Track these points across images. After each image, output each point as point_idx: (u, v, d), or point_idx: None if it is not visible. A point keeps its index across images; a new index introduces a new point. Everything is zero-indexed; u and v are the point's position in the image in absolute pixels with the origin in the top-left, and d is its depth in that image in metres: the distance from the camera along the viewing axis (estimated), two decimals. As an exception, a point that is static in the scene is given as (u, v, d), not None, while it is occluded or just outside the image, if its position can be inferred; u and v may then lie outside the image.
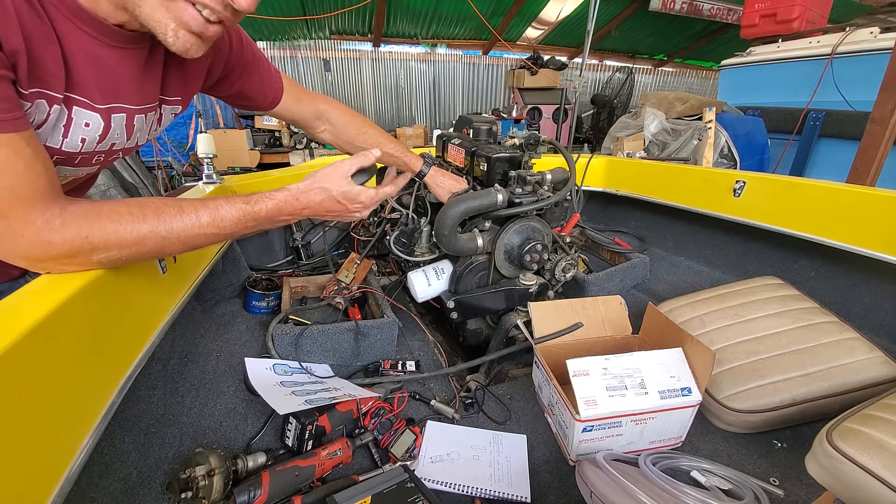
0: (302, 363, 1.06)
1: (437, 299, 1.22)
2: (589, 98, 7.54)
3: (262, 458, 0.80)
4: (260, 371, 0.98)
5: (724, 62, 4.24)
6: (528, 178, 1.12)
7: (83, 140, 0.63)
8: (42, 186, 0.53)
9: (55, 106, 0.57)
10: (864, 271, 1.24)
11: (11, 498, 0.43)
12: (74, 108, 0.60)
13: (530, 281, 1.19)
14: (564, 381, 0.86)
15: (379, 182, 1.23)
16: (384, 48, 6.77)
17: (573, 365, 0.85)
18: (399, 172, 1.33)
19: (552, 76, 6.78)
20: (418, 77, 7.10)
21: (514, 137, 1.34)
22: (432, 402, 1.03)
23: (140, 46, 0.64)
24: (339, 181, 0.78)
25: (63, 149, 0.62)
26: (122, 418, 0.75)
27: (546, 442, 0.96)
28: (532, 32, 7.11)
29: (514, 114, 6.55)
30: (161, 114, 0.77)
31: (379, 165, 1.46)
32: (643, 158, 2.96)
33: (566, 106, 6.03)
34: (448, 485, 0.82)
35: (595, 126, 7.30)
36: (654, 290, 1.58)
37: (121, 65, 0.63)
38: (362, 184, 0.82)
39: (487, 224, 1.14)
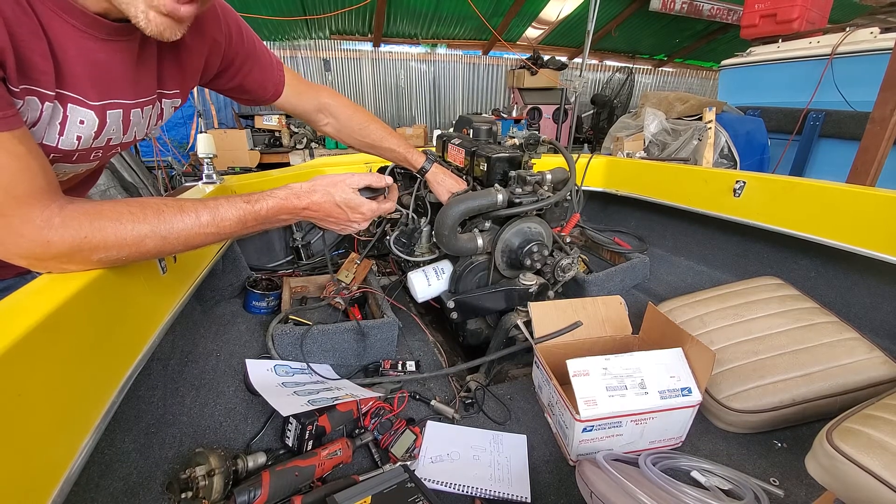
0: (310, 364, 1.06)
1: (437, 299, 1.22)
2: (589, 98, 7.55)
3: (262, 458, 0.80)
4: (261, 373, 0.97)
5: (724, 62, 4.24)
6: (528, 178, 1.12)
7: (79, 138, 0.63)
8: (38, 185, 0.53)
9: (47, 103, 0.56)
10: (864, 271, 1.24)
11: (11, 498, 0.43)
12: (69, 105, 0.59)
13: (530, 281, 1.19)
14: (564, 381, 0.86)
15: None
16: (384, 48, 6.77)
17: (573, 365, 0.85)
18: (401, 171, 1.34)
19: (552, 76, 6.78)
20: (418, 77, 7.10)
21: (514, 137, 1.33)
22: (432, 402, 1.03)
23: (131, 39, 0.64)
24: (344, 188, 0.78)
25: (59, 147, 0.62)
26: (122, 418, 0.75)
27: (546, 442, 0.96)
28: (532, 32, 7.11)
29: (514, 114, 6.54)
30: (161, 108, 0.76)
31: (380, 164, 1.47)
32: (643, 158, 2.95)
33: (566, 106, 6.03)
34: (448, 485, 0.82)
35: (595, 126, 7.31)
36: (654, 290, 1.58)
37: (113, 59, 0.62)
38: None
39: (487, 224, 1.14)
